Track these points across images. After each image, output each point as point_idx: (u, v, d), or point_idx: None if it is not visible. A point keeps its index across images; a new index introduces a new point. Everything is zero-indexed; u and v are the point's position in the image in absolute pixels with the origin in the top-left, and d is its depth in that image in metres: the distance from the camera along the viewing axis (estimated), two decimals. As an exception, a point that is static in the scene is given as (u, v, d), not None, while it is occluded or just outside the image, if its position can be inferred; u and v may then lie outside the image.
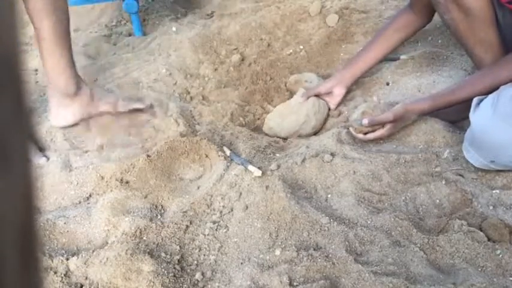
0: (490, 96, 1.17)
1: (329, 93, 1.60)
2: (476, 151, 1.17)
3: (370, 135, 1.35)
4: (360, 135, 1.36)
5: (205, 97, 1.81)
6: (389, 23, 1.59)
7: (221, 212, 1.19)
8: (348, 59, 1.78)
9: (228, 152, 1.39)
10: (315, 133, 1.58)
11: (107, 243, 1.14)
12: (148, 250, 1.08)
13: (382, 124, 1.34)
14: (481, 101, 1.20)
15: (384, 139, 1.38)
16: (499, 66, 1.22)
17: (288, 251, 1.04)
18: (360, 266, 0.97)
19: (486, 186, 1.18)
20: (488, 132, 1.14)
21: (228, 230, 1.14)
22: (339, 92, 1.60)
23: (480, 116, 1.16)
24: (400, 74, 1.66)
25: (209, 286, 1.02)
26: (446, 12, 1.31)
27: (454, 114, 1.41)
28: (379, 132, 1.35)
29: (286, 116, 1.57)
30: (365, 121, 1.34)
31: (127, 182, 1.31)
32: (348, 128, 1.39)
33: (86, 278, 1.05)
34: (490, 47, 1.30)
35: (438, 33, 1.86)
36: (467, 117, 1.27)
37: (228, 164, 1.33)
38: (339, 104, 1.62)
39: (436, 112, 1.36)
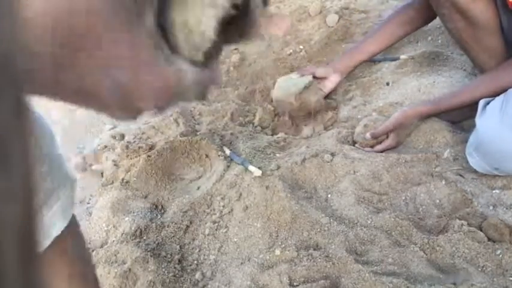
0: (498, 99, 1.16)
1: (324, 78, 1.62)
2: (481, 158, 1.16)
3: (378, 147, 1.36)
4: (368, 149, 1.36)
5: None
6: (393, 17, 1.58)
7: (221, 212, 1.19)
8: (348, 48, 1.79)
9: (228, 152, 1.39)
10: (309, 113, 1.58)
11: (107, 243, 1.14)
12: (148, 250, 1.08)
13: (386, 134, 1.35)
14: (487, 103, 1.19)
15: (393, 148, 1.38)
16: (503, 70, 1.21)
17: (288, 251, 1.04)
18: (360, 266, 0.97)
19: (486, 186, 1.18)
20: (496, 140, 1.12)
21: (228, 230, 1.14)
22: (334, 79, 1.61)
23: (487, 121, 1.15)
24: (400, 74, 1.66)
25: (209, 286, 1.02)
26: (450, 21, 1.30)
27: (456, 115, 1.41)
28: (386, 143, 1.35)
29: (288, 83, 1.60)
30: (367, 135, 1.36)
31: (127, 182, 1.31)
32: (354, 144, 1.39)
33: (86, 278, 1.05)
34: (494, 54, 1.30)
35: (438, 33, 1.86)
36: (469, 118, 1.26)
37: (228, 164, 1.33)
38: (331, 92, 1.64)
39: None
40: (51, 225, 0.54)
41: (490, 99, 1.19)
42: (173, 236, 1.13)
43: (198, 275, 1.03)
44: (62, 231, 0.55)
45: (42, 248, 0.53)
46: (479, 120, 1.17)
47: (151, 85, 0.24)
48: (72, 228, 0.58)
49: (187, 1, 0.23)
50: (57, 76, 0.21)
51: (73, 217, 0.58)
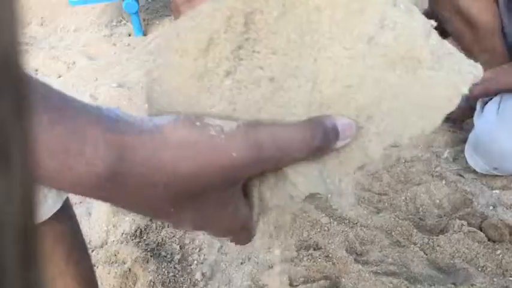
0: (495, 100, 1.16)
1: None
2: (480, 158, 1.17)
3: None
4: None
5: (205, 97, 1.81)
6: None
7: (221, 212, 1.19)
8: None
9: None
10: None
11: (107, 243, 1.14)
12: (148, 250, 1.08)
13: None
14: (484, 103, 1.19)
15: None
16: None
17: (288, 251, 1.04)
18: (360, 266, 0.97)
19: (486, 186, 1.18)
20: (494, 140, 1.13)
21: (228, 230, 1.14)
22: None
23: (485, 122, 1.15)
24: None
25: (209, 286, 1.02)
26: (450, 22, 1.28)
27: (457, 115, 1.40)
28: None
29: None
30: None
31: (127, 182, 1.31)
32: None
33: (86, 278, 1.05)
34: (494, 54, 1.29)
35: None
36: (469, 117, 1.26)
37: (228, 164, 1.33)
38: None
39: None
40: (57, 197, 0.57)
41: (487, 99, 1.19)
42: (173, 236, 1.13)
43: (198, 275, 1.03)
44: (59, 214, 0.56)
45: (55, 209, 0.56)
46: (477, 120, 1.17)
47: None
48: (68, 212, 0.60)
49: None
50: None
51: (67, 200, 0.60)
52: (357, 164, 0.33)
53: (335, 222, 1.09)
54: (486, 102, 1.19)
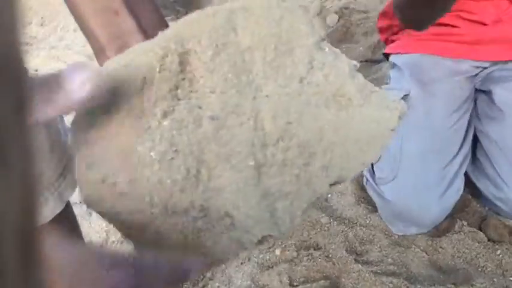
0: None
1: None
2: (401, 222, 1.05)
3: None
4: None
5: (205, 97, 1.81)
6: None
7: (221, 212, 1.19)
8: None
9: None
10: None
11: (107, 243, 1.14)
12: (148, 250, 1.08)
13: None
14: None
15: None
16: None
17: (288, 251, 1.04)
18: (360, 265, 0.97)
19: (486, 186, 1.18)
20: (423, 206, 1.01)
21: (228, 230, 1.14)
22: None
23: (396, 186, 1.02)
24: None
25: (209, 286, 1.02)
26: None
27: None
28: None
29: None
30: None
31: (127, 182, 1.31)
32: None
33: (86, 278, 1.05)
34: None
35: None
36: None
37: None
38: None
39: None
40: (64, 192, 0.60)
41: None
42: (173, 236, 1.13)
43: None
44: (59, 216, 0.58)
45: (57, 212, 0.58)
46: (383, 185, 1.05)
47: None
48: (68, 213, 0.62)
49: None
50: None
51: (68, 201, 0.63)
52: (306, 201, 0.32)
53: (335, 222, 1.09)
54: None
